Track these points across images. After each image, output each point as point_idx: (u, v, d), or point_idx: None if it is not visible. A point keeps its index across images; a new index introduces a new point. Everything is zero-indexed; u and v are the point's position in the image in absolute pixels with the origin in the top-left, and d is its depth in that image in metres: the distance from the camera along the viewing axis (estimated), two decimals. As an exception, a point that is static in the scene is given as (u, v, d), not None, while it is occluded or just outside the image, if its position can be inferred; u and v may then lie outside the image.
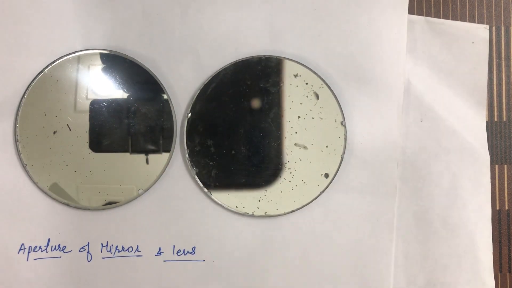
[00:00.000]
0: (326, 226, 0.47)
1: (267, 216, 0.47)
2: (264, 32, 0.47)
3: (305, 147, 0.47)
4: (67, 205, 0.46)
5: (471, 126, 0.49)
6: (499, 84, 0.50)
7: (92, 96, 0.46)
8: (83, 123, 0.46)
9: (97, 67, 0.46)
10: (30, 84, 0.46)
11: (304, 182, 0.47)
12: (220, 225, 0.47)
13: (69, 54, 0.46)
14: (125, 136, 0.46)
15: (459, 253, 0.48)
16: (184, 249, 0.47)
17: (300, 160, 0.47)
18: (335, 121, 0.47)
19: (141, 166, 0.46)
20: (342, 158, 0.47)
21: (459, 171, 0.49)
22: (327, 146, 0.47)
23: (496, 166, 0.50)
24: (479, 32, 0.49)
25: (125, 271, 0.47)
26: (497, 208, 0.50)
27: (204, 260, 0.47)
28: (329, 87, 0.47)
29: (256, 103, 0.47)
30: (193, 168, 0.47)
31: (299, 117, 0.47)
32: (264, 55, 0.47)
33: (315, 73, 0.47)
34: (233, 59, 0.47)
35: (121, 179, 0.46)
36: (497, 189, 0.50)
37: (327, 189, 0.47)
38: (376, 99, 0.48)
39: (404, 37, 0.48)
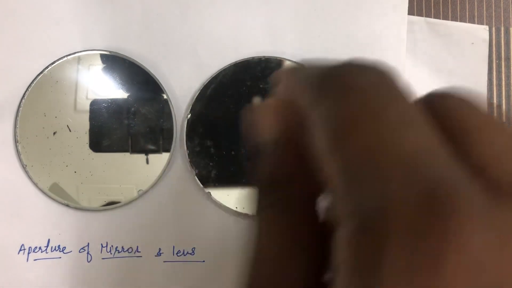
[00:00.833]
0: (326, 226, 0.47)
1: (267, 217, 0.47)
2: (264, 32, 0.47)
3: (305, 148, 0.47)
4: (67, 205, 0.46)
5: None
6: (499, 85, 0.50)
7: (92, 97, 0.46)
8: (83, 124, 0.46)
9: (97, 67, 0.46)
10: (30, 84, 0.46)
11: (304, 183, 0.47)
12: (220, 225, 0.47)
13: (69, 54, 0.46)
14: (125, 136, 0.46)
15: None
16: (184, 250, 0.47)
17: (300, 160, 0.47)
18: (335, 121, 0.47)
19: (141, 167, 0.46)
20: (342, 159, 0.47)
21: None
22: (327, 147, 0.47)
23: (496, 166, 0.50)
24: (479, 33, 0.49)
25: (125, 272, 0.47)
26: (497, 208, 0.50)
27: (204, 261, 0.47)
28: (329, 88, 0.47)
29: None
30: (193, 168, 0.47)
31: (299, 117, 0.47)
32: (264, 56, 0.47)
33: (315, 74, 0.47)
34: (233, 59, 0.47)
35: (121, 179, 0.46)
36: (496, 190, 0.50)
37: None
38: (376, 99, 0.47)
39: (404, 37, 0.48)
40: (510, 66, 0.50)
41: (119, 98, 0.46)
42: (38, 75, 0.46)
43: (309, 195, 0.17)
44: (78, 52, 0.46)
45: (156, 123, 0.47)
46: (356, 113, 0.15)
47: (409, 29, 0.48)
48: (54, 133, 0.46)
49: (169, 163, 0.47)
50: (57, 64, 0.46)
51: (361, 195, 0.13)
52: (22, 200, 0.46)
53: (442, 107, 0.16)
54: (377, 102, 0.15)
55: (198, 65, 0.47)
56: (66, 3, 0.46)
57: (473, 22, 0.50)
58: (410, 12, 0.49)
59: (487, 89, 0.50)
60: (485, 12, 0.50)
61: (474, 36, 0.49)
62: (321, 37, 0.48)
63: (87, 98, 0.46)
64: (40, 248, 0.46)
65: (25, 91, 0.46)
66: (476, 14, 0.50)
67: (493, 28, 0.50)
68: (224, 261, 0.47)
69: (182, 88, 0.47)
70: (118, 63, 0.46)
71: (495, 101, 0.50)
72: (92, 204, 0.46)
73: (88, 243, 0.47)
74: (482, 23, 0.50)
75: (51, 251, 0.46)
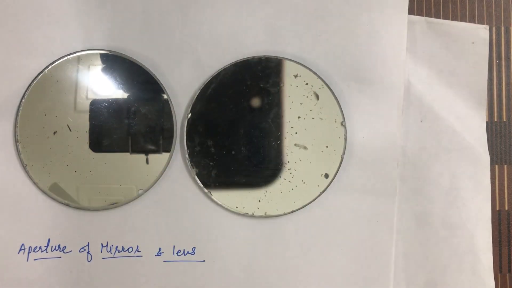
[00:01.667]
0: (326, 226, 0.47)
1: (267, 217, 0.47)
2: (264, 32, 0.47)
3: (305, 148, 0.47)
4: (67, 205, 0.46)
5: (471, 126, 0.49)
6: (499, 84, 0.50)
7: (92, 96, 0.46)
8: (83, 123, 0.46)
9: (97, 67, 0.46)
10: (30, 84, 0.46)
11: (304, 183, 0.47)
12: (220, 225, 0.47)
13: (69, 54, 0.46)
14: (125, 136, 0.46)
15: (459, 253, 0.48)
16: (184, 250, 0.47)
17: (300, 160, 0.47)
18: (335, 121, 0.47)
19: (141, 166, 0.46)
20: (342, 158, 0.47)
21: (459, 171, 0.49)
22: (327, 147, 0.47)
23: (496, 166, 0.50)
24: (479, 33, 0.49)
25: (125, 272, 0.47)
26: (497, 208, 0.50)
27: (204, 261, 0.47)
28: (329, 88, 0.47)
29: (256, 103, 0.47)
30: (193, 168, 0.47)
31: (299, 117, 0.47)
32: (264, 56, 0.47)
33: (315, 74, 0.47)
34: (233, 59, 0.47)
35: (121, 179, 0.46)
36: (497, 190, 0.50)
37: (327, 190, 0.47)
38: (376, 99, 0.48)
39: (404, 37, 0.48)
40: (510, 66, 0.50)
41: (119, 98, 0.46)
42: (38, 74, 0.46)
43: None
44: (78, 51, 0.46)
45: (156, 123, 0.47)
46: None
47: (409, 28, 0.48)
48: (54, 133, 0.46)
49: (169, 163, 0.47)
50: (57, 63, 0.46)
51: None
52: (22, 200, 0.46)
53: None
54: None
55: (198, 65, 0.47)
56: (67, 3, 0.46)
57: (473, 22, 0.50)
58: (411, 11, 0.49)
59: (487, 88, 0.50)
60: (485, 11, 0.50)
61: (474, 36, 0.49)
62: (321, 37, 0.48)
63: (87, 97, 0.46)
64: (40, 247, 0.46)
65: (25, 91, 0.46)
66: (476, 13, 0.50)
67: (493, 28, 0.50)
68: (225, 261, 0.47)
69: (182, 88, 0.47)
70: (118, 63, 0.46)
71: (495, 100, 0.50)
72: (92, 204, 0.46)
73: (88, 243, 0.47)
74: (482, 23, 0.50)
75: (51, 251, 0.46)
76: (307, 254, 0.47)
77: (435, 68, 0.49)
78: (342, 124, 0.47)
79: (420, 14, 0.50)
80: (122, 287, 0.47)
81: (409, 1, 0.48)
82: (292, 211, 0.47)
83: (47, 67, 0.46)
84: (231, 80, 0.47)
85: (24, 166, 0.45)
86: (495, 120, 0.50)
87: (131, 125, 0.46)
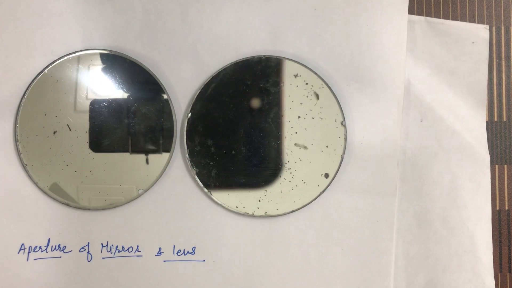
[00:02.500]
0: (326, 226, 0.47)
1: (267, 216, 0.47)
2: (264, 32, 0.47)
3: (305, 147, 0.47)
4: (67, 205, 0.46)
5: (471, 126, 0.49)
6: (499, 84, 0.50)
7: (92, 96, 0.46)
8: (83, 123, 0.46)
9: (97, 67, 0.46)
10: (30, 84, 0.46)
11: (304, 182, 0.47)
12: (220, 225, 0.47)
13: (69, 54, 0.46)
14: (125, 136, 0.46)
15: (459, 253, 0.48)
16: (184, 249, 0.47)
17: (300, 160, 0.47)
18: (335, 121, 0.47)
19: (141, 166, 0.46)
20: (342, 158, 0.47)
21: (459, 171, 0.49)
22: (327, 146, 0.47)
23: (496, 166, 0.50)
24: (479, 32, 0.49)
25: (125, 271, 0.47)
26: (497, 208, 0.50)
27: (204, 260, 0.47)
28: (329, 87, 0.47)
29: (256, 103, 0.47)
30: (193, 168, 0.47)
31: (299, 117, 0.47)
32: (264, 55, 0.47)
33: (315, 73, 0.47)
34: (233, 59, 0.47)
35: (121, 179, 0.46)
36: (497, 189, 0.50)
37: (327, 189, 0.47)
38: (376, 99, 0.48)
39: (404, 37, 0.48)
40: (510, 66, 0.50)
41: (119, 98, 0.46)
42: (39, 74, 0.46)
43: None
44: (78, 51, 0.46)
45: (156, 123, 0.47)
46: None
47: (410, 28, 0.48)
48: (55, 133, 0.46)
49: (169, 162, 0.47)
50: (57, 63, 0.46)
51: None
52: (22, 200, 0.46)
53: None
54: None
55: (199, 64, 0.47)
56: (67, 2, 0.46)
57: (474, 22, 0.50)
58: (411, 11, 0.49)
59: (488, 88, 0.50)
60: (485, 11, 0.50)
61: (475, 36, 0.49)
62: (321, 37, 0.48)
63: (87, 97, 0.46)
64: (40, 247, 0.46)
65: (26, 91, 0.46)
66: (476, 13, 0.50)
67: (494, 28, 0.50)
68: (225, 261, 0.47)
69: (182, 88, 0.47)
70: (118, 63, 0.46)
71: (495, 100, 0.50)
72: (92, 204, 0.46)
73: (89, 243, 0.47)
74: (482, 23, 0.50)
75: (51, 251, 0.46)
76: (307, 254, 0.47)
77: (435, 68, 0.49)
78: (342, 124, 0.47)
79: (420, 14, 0.50)
80: (122, 287, 0.47)
81: (409, 1, 0.48)
82: (292, 211, 0.47)
83: (47, 67, 0.46)
84: (231, 80, 0.47)
85: (24, 166, 0.45)
86: (495, 120, 0.50)
87: (131, 125, 0.46)
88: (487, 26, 0.49)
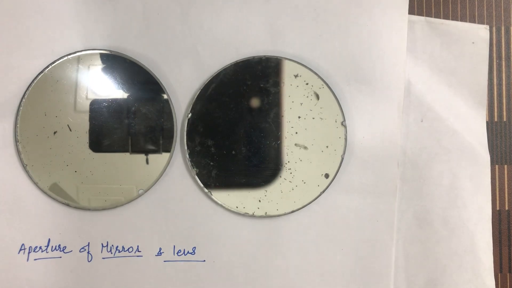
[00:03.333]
0: (326, 226, 0.47)
1: (267, 216, 0.47)
2: (264, 32, 0.47)
3: (305, 147, 0.47)
4: (67, 205, 0.46)
5: (471, 126, 0.49)
6: (499, 84, 0.50)
7: (92, 96, 0.46)
8: (83, 123, 0.46)
9: (97, 67, 0.46)
10: (30, 84, 0.46)
11: (304, 182, 0.47)
12: (220, 225, 0.47)
13: (69, 54, 0.46)
14: (125, 136, 0.46)
15: (459, 253, 0.48)
16: (184, 249, 0.47)
17: (300, 160, 0.47)
18: (335, 121, 0.47)
19: (141, 166, 0.46)
20: (342, 158, 0.47)
21: (459, 171, 0.49)
22: (327, 146, 0.47)
23: (496, 166, 0.50)
24: (480, 32, 0.49)
25: (125, 271, 0.47)
26: (497, 208, 0.50)
27: (204, 260, 0.47)
28: (329, 87, 0.47)
29: (256, 103, 0.47)
30: (193, 168, 0.47)
31: (299, 117, 0.47)
32: (265, 55, 0.47)
33: (315, 73, 0.47)
34: (234, 59, 0.47)
35: (121, 179, 0.46)
36: (497, 189, 0.50)
37: (327, 189, 0.47)
38: (376, 99, 0.48)
39: (404, 37, 0.48)
40: (510, 66, 0.50)
41: (119, 98, 0.46)
42: (39, 74, 0.46)
43: None
44: (78, 51, 0.46)
45: (156, 123, 0.46)
46: None
47: (410, 28, 0.48)
48: (55, 133, 0.46)
49: (169, 163, 0.47)
50: (57, 63, 0.46)
51: None
52: (22, 200, 0.46)
53: None
54: None
55: (199, 65, 0.47)
56: (67, 2, 0.46)
57: (474, 22, 0.50)
58: (411, 11, 0.49)
59: (488, 88, 0.50)
60: (485, 11, 0.50)
61: (475, 36, 0.49)
62: (321, 37, 0.48)
63: (87, 97, 0.46)
64: (40, 247, 0.46)
65: (26, 91, 0.46)
66: (476, 13, 0.50)
67: (494, 28, 0.50)
68: (225, 261, 0.47)
69: (182, 88, 0.47)
70: (119, 63, 0.46)
71: (495, 100, 0.50)
72: (92, 204, 0.46)
73: (89, 243, 0.47)
74: (482, 23, 0.50)
75: (52, 251, 0.46)
76: (307, 254, 0.47)
77: (435, 68, 0.49)
78: (342, 124, 0.47)
79: (420, 14, 0.50)
80: (122, 287, 0.47)
81: (409, 1, 0.48)
82: (292, 211, 0.47)
83: (47, 67, 0.46)
84: (232, 80, 0.47)
85: (24, 166, 0.45)
86: (495, 120, 0.50)
87: (131, 125, 0.46)
88: (487, 26, 0.49)
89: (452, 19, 0.50)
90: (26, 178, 0.46)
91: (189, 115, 0.47)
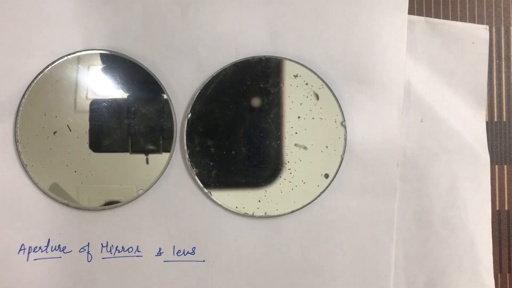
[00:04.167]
0: (326, 226, 0.47)
1: (267, 217, 0.47)
2: (264, 32, 0.47)
3: (305, 148, 0.47)
4: (67, 205, 0.46)
5: (471, 126, 0.49)
6: (499, 84, 0.50)
7: (92, 96, 0.46)
8: (83, 123, 0.46)
9: (97, 67, 0.46)
10: (30, 84, 0.46)
11: (304, 183, 0.47)
12: (220, 225, 0.47)
13: (69, 54, 0.46)
14: (125, 136, 0.46)
15: (459, 253, 0.48)
16: (184, 250, 0.47)
17: (300, 160, 0.47)
18: (335, 121, 0.47)
19: (141, 166, 0.46)
20: (342, 159, 0.47)
21: (459, 171, 0.49)
22: (327, 147, 0.47)
23: (496, 166, 0.50)
24: (479, 33, 0.49)
25: (125, 272, 0.47)
26: (497, 208, 0.50)
27: (204, 261, 0.47)
28: (329, 88, 0.47)
29: (256, 104, 0.47)
30: (193, 168, 0.47)
31: (299, 117, 0.47)
32: (264, 56, 0.47)
33: (315, 74, 0.47)
34: (233, 59, 0.47)
35: (121, 179, 0.46)
36: (497, 190, 0.50)
37: (327, 190, 0.47)
38: (376, 99, 0.48)
39: (404, 37, 0.48)
40: (510, 66, 0.50)
41: (119, 98, 0.46)
42: (38, 74, 0.46)
43: None
44: (78, 51, 0.46)
45: (156, 123, 0.47)
46: None
47: (409, 28, 0.48)
48: (54, 133, 0.46)
49: (169, 163, 0.47)
50: (57, 63, 0.46)
51: None
52: (22, 200, 0.46)
53: None
54: None
55: (198, 65, 0.47)
56: (67, 3, 0.46)
57: (474, 22, 0.50)
58: (411, 11, 0.49)
59: (487, 88, 0.50)
60: (485, 11, 0.50)
61: (474, 36, 0.49)
62: (321, 37, 0.48)
63: (87, 97, 0.46)
64: (40, 248, 0.46)
65: (25, 91, 0.46)
66: (476, 13, 0.50)
67: (493, 28, 0.50)
68: (225, 261, 0.47)
69: (182, 88, 0.47)
70: (118, 63, 0.46)
71: (495, 100, 0.50)
72: (92, 204, 0.46)
73: (88, 243, 0.47)
74: (482, 23, 0.50)
75: (51, 251, 0.46)
76: (306, 254, 0.47)
77: (435, 68, 0.49)
78: (342, 124, 0.47)
79: (420, 14, 0.50)
80: (122, 287, 0.47)
81: (409, 1, 0.48)
82: (292, 211, 0.47)
83: (47, 67, 0.46)
84: (231, 80, 0.47)
85: (24, 166, 0.45)
86: (495, 120, 0.50)
87: (131, 125, 0.46)
88: (487, 27, 0.49)
89: (452, 19, 0.50)
90: (26, 178, 0.46)
91: (189, 115, 0.47)
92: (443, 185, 0.49)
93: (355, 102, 0.48)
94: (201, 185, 0.47)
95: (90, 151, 0.46)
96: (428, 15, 0.50)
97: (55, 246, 0.46)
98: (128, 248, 0.47)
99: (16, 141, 0.45)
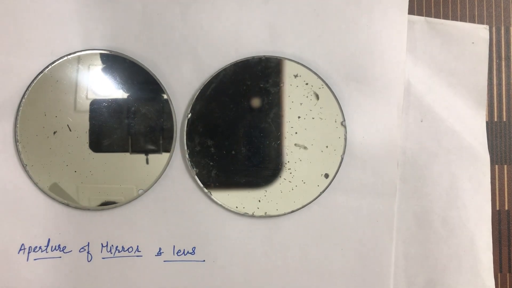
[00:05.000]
0: (326, 226, 0.47)
1: (267, 216, 0.47)
2: (264, 32, 0.47)
3: (305, 147, 0.47)
4: (67, 205, 0.46)
5: (471, 126, 0.49)
6: (499, 84, 0.50)
7: (92, 96, 0.46)
8: (83, 123, 0.46)
9: (97, 67, 0.46)
10: (30, 84, 0.46)
11: (304, 182, 0.47)
12: (220, 225, 0.47)
13: (69, 54, 0.46)
14: (125, 136, 0.46)
15: (459, 253, 0.48)
16: (184, 249, 0.47)
17: (300, 160, 0.47)
18: (335, 121, 0.47)
19: (141, 166, 0.46)
20: (342, 158, 0.47)
21: (459, 171, 0.49)
22: (327, 146, 0.47)
23: (496, 166, 0.50)
24: (479, 32, 0.49)
25: (125, 271, 0.47)
26: (497, 208, 0.50)
27: (204, 260, 0.47)
28: (329, 88, 0.47)
29: (256, 103, 0.47)
30: (193, 168, 0.47)
31: (299, 117, 0.47)
32: (264, 55, 0.47)
33: (315, 74, 0.47)
34: (233, 59, 0.47)
35: (121, 179, 0.46)
36: (497, 189, 0.50)
37: (327, 189, 0.47)
38: (376, 99, 0.48)
39: (404, 37, 0.48)
40: (510, 66, 0.50)
41: (119, 98, 0.46)
42: (39, 74, 0.46)
43: None
44: (78, 51, 0.46)
45: (156, 123, 0.47)
46: None
47: (410, 28, 0.48)
48: (54, 133, 0.46)
49: (169, 163, 0.47)
50: (57, 63, 0.46)
51: None
52: (22, 200, 0.46)
53: None
54: None
55: (198, 65, 0.47)
56: (67, 3, 0.46)
57: (474, 22, 0.50)
58: (411, 11, 0.49)
59: (487, 88, 0.50)
60: (485, 11, 0.50)
61: (475, 36, 0.49)
62: (321, 37, 0.48)
63: (87, 97, 0.46)
64: (40, 247, 0.46)
65: (25, 91, 0.46)
66: (476, 13, 0.50)
67: (493, 28, 0.50)
68: (225, 261, 0.47)
69: (182, 88, 0.47)
70: (118, 63, 0.46)
71: (495, 100, 0.50)
72: (92, 204, 0.46)
73: (88, 243, 0.47)
74: (482, 23, 0.50)
75: (51, 251, 0.46)
76: (307, 254, 0.47)
77: (435, 68, 0.49)
78: (342, 124, 0.47)
79: (420, 14, 0.50)
80: (122, 287, 0.47)
81: (409, 1, 0.48)
82: (292, 211, 0.47)
83: (47, 67, 0.46)
84: (231, 80, 0.47)
85: (24, 166, 0.45)
86: (495, 120, 0.50)
87: (131, 125, 0.46)
88: (487, 26, 0.49)
89: (452, 19, 0.50)
90: (26, 178, 0.46)
91: (189, 115, 0.47)
92: (443, 185, 0.49)
93: (355, 102, 0.48)
94: (201, 185, 0.47)
95: (90, 151, 0.46)
96: (428, 15, 0.50)
97: (55, 246, 0.46)
98: (128, 248, 0.47)
99: (16, 141, 0.45)
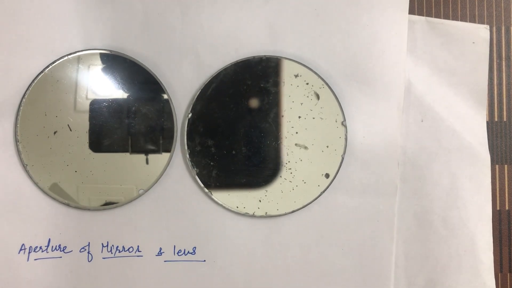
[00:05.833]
0: (326, 226, 0.47)
1: (267, 216, 0.47)
2: (264, 32, 0.47)
3: (305, 147, 0.47)
4: (68, 205, 0.46)
5: (471, 126, 0.49)
6: (500, 84, 0.50)
7: (92, 96, 0.46)
8: (84, 123, 0.46)
9: (97, 67, 0.46)
10: (30, 84, 0.45)
11: (304, 182, 0.47)
12: (220, 225, 0.47)
13: (70, 54, 0.46)
14: (125, 136, 0.46)
15: (459, 253, 0.48)
16: (184, 249, 0.47)
17: (301, 160, 0.47)
18: (336, 121, 0.47)
19: (141, 166, 0.46)
20: (342, 158, 0.47)
21: (459, 171, 0.49)
22: (327, 146, 0.47)
23: (497, 166, 0.50)
24: (480, 32, 0.49)
25: (125, 271, 0.47)
26: (498, 208, 0.50)
27: (204, 260, 0.47)
28: (329, 87, 0.47)
29: (256, 103, 0.47)
30: (194, 168, 0.47)
31: (299, 117, 0.47)
32: (265, 55, 0.47)
33: (316, 73, 0.47)
34: (234, 59, 0.47)
35: (121, 179, 0.46)
36: (497, 189, 0.50)
37: (327, 189, 0.47)
38: (376, 99, 0.48)
39: (405, 37, 0.48)
40: (511, 66, 0.50)
41: (120, 98, 0.46)
42: (39, 74, 0.46)
43: None
44: (78, 51, 0.46)
45: (156, 123, 0.46)
46: None
47: (410, 28, 0.48)
48: (55, 133, 0.46)
49: (169, 163, 0.47)
50: (57, 63, 0.46)
51: None
52: (23, 200, 0.46)
53: None
54: None
55: (199, 65, 0.47)
56: (67, 3, 0.46)
57: (474, 22, 0.50)
58: (411, 11, 0.49)
59: (488, 88, 0.50)
60: (485, 11, 0.50)
61: (475, 36, 0.49)
62: (321, 37, 0.48)
63: (87, 97, 0.46)
64: (40, 247, 0.46)
65: (26, 91, 0.46)
66: (476, 13, 0.50)
67: (494, 28, 0.50)
68: (225, 261, 0.47)
69: (182, 88, 0.47)
70: (119, 63, 0.46)
71: (495, 100, 0.50)
72: (92, 204, 0.46)
73: (89, 243, 0.47)
74: (482, 23, 0.50)
75: (52, 251, 0.46)
76: (307, 254, 0.47)
77: (435, 68, 0.49)
78: (342, 124, 0.47)
79: (420, 14, 0.50)
80: (123, 287, 0.47)
81: (409, 1, 0.48)
82: (293, 211, 0.47)
83: (47, 67, 0.46)
84: (232, 80, 0.47)
85: (24, 166, 0.45)
86: (496, 120, 0.50)
87: (131, 125, 0.46)
88: (487, 26, 0.49)
89: (452, 19, 0.50)
90: (26, 178, 0.46)
91: (189, 115, 0.47)
92: (443, 185, 0.49)
93: (356, 101, 0.48)
94: (202, 185, 0.47)
95: (90, 151, 0.46)
96: (429, 14, 0.50)
97: (56, 246, 0.46)
98: (129, 248, 0.47)
99: (16, 141, 0.45)
